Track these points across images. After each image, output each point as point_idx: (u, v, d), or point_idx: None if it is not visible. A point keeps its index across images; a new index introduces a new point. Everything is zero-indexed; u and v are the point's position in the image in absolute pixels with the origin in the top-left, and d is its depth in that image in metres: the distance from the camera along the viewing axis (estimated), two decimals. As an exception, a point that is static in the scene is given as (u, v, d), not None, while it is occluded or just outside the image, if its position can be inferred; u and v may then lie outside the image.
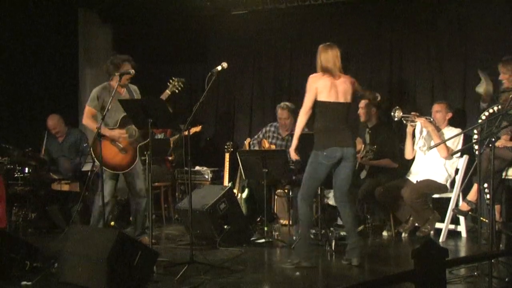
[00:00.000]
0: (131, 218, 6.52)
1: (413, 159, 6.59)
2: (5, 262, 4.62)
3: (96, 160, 5.76)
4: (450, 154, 6.21)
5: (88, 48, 9.13)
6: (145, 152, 5.35)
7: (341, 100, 5.14)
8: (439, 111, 6.43)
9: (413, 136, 6.52)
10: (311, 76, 5.18)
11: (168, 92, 5.80)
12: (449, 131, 6.36)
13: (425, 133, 6.43)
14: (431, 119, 6.38)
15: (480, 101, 5.95)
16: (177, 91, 5.83)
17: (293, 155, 5.31)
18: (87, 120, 5.92)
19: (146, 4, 8.31)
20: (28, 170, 7.00)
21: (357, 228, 5.49)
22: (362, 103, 6.81)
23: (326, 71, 5.14)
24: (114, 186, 6.00)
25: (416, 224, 6.31)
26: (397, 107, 6.42)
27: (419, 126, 6.44)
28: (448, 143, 6.16)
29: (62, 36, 8.68)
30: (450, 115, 6.44)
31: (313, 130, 5.20)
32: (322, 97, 5.09)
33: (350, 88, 5.21)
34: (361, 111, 6.83)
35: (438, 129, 6.35)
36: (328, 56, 5.17)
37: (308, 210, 5.20)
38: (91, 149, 5.76)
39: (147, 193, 5.61)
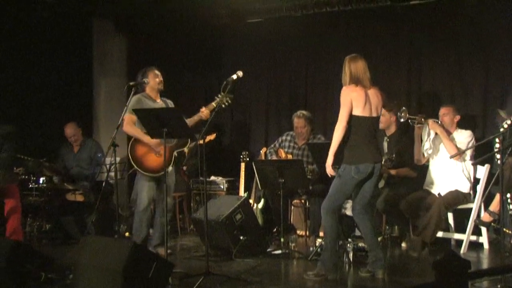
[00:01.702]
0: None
1: (426, 168, 6.54)
2: (20, 273, 4.64)
3: (134, 165, 5.90)
4: (462, 157, 6.18)
5: (102, 57, 9.19)
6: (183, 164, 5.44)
7: (374, 114, 5.14)
8: (446, 114, 6.42)
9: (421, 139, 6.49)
10: (344, 88, 5.09)
11: (213, 104, 5.83)
12: (459, 134, 6.35)
13: (432, 136, 6.37)
14: (439, 122, 6.35)
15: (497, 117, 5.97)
16: (223, 106, 5.78)
17: (330, 171, 5.14)
18: (127, 127, 5.92)
19: (161, 13, 8.36)
20: (43, 181, 7.04)
21: (378, 239, 5.45)
22: (382, 111, 6.77)
23: (357, 82, 5.09)
24: (153, 190, 6.02)
25: (439, 234, 6.25)
26: (404, 108, 6.39)
27: (427, 129, 6.39)
28: (458, 145, 6.18)
29: (76, 46, 8.75)
30: (458, 117, 6.43)
31: (345, 143, 5.10)
32: (357, 112, 5.04)
33: (381, 101, 5.21)
34: (381, 118, 6.79)
35: (448, 132, 6.31)
36: (359, 66, 5.13)
37: (334, 223, 5.17)
38: (132, 156, 5.88)
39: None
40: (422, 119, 6.33)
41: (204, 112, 5.89)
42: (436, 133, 6.34)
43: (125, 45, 9.23)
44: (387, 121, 6.76)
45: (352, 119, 5.06)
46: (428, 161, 6.51)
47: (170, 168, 5.96)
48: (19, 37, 8.03)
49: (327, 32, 8.02)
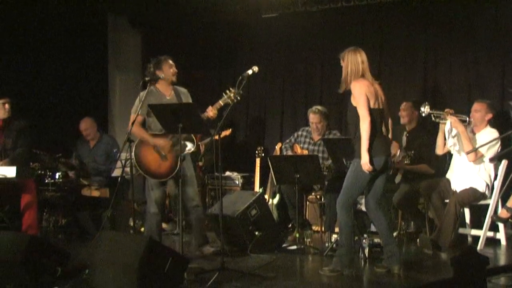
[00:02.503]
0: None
1: (446, 163, 6.49)
2: (36, 268, 4.67)
3: (138, 169, 5.68)
4: (479, 159, 6.11)
5: (117, 53, 9.24)
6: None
7: (381, 106, 5.10)
8: (478, 110, 6.24)
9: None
10: (356, 83, 5.01)
11: (220, 103, 5.58)
12: (488, 134, 6.19)
13: (454, 133, 6.29)
14: (466, 119, 6.24)
15: None
16: (231, 102, 5.51)
17: (368, 168, 4.97)
18: (133, 128, 5.60)
19: (176, 9, 8.37)
20: (59, 176, 7.08)
21: (393, 234, 5.42)
22: (404, 105, 6.75)
23: (364, 74, 5.06)
24: (162, 194, 5.85)
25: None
26: (426, 102, 6.34)
27: (449, 126, 6.30)
28: (481, 141, 6.09)
29: (91, 42, 8.80)
30: (490, 116, 6.25)
31: (355, 137, 5.07)
32: (370, 104, 5.00)
33: (383, 94, 5.16)
34: (402, 113, 6.77)
35: (478, 129, 6.22)
36: (364, 58, 5.08)
37: (349, 219, 5.15)
38: (135, 156, 5.64)
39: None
40: (446, 115, 6.23)
41: (211, 112, 5.64)
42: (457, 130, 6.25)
43: (139, 41, 9.27)
44: (409, 116, 6.72)
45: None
46: (448, 151, 6.45)
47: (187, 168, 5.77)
48: (35, 33, 8.09)
49: (343, 27, 7.98)
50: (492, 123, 6.31)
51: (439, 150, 6.45)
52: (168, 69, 5.81)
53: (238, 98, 5.53)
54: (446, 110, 6.29)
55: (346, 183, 5.12)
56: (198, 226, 5.88)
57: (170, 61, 5.85)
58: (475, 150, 6.02)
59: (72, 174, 7.33)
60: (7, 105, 6.55)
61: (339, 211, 5.15)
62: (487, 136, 6.17)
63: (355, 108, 5.02)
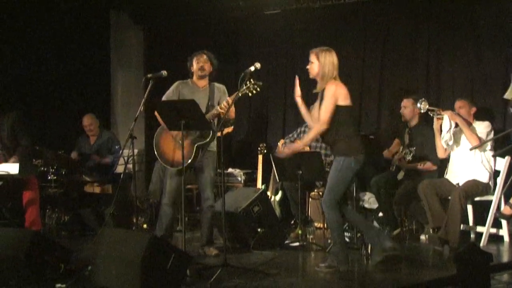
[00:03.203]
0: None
1: (448, 159, 6.49)
2: (39, 265, 4.68)
3: (156, 155, 5.77)
4: (483, 147, 6.12)
5: (120, 49, 9.23)
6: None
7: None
8: (462, 107, 6.34)
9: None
10: (332, 84, 5.07)
11: (239, 94, 5.38)
12: (477, 126, 6.27)
13: (453, 127, 6.28)
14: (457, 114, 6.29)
15: (509, 106, 5.86)
16: (250, 94, 5.35)
17: (296, 147, 5.22)
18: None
19: (178, 5, 8.37)
20: (61, 172, 7.09)
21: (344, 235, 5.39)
22: (406, 102, 6.74)
23: (336, 76, 5.13)
24: (178, 185, 5.69)
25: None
26: (423, 98, 6.35)
27: (447, 120, 6.31)
28: (479, 134, 6.13)
29: (93, 38, 8.80)
30: (474, 109, 6.36)
31: (336, 136, 5.08)
32: (347, 103, 5.08)
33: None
34: (404, 110, 6.76)
35: (468, 123, 6.25)
36: (336, 59, 5.16)
37: (339, 217, 5.16)
38: (155, 142, 5.77)
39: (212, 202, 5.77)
40: (441, 111, 6.28)
41: (224, 104, 5.53)
42: (456, 125, 6.26)
43: (142, 38, 9.26)
44: (411, 113, 6.72)
45: (344, 111, 5.07)
46: (449, 153, 6.45)
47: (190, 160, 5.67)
48: (37, 30, 8.09)
49: (345, 24, 7.97)
50: (478, 116, 6.42)
51: (441, 153, 6.43)
52: (194, 63, 5.90)
53: (258, 89, 5.35)
54: (437, 108, 6.33)
55: (331, 183, 5.11)
56: (207, 226, 5.86)
57: (197, 57, 5.92)
58: (484, 143, 6.09)
59: (74, 171, 7.34)
60: None
61: (327, 211, 5.14)
62: (479, 127, 6.26)
63: (336, 108, 5.05)
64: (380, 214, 6.94)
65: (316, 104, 5.29)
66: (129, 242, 4.49)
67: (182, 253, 4.59)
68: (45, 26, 8.18)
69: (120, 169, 6.97)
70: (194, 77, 5.90)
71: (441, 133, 6.35)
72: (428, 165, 6.56)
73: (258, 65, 5.23)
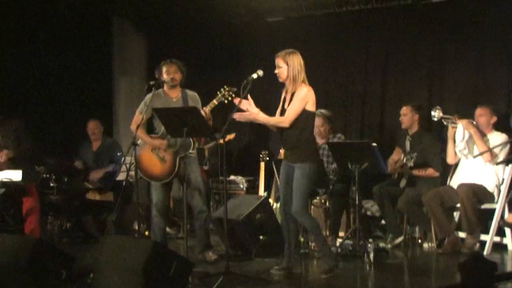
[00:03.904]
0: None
1: (455, 166, 6.47)
2: (41, 271, 4.67)
3: (139, 171, 5.71)
4: (494, 159, 6.09)
5: (122, 56, 9.24)
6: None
7: None
8: (482, 115, 6.27)
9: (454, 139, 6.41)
10: (304, 86, 5.11)
11: (214, 102, 5.58)
12: (495, 136, 6.22)
13: (467, 136, 6.28)
14: (473, 123, 6.26)
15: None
16: (226, 101, 5.57)
17: (255, 114, 5.12)
18: (133, 127, 5.72)
19: (181, 13, 8.38)
20: (63, 179, 7.08)
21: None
22: (405, 109, 6.72)
23: (304, 77, 5.15)
24: (165, 197, 5.80)
25: (461, 235, 6.18)
26: (438, 106, 6.33)
27: (461, 128, 6.29)
28: (492, 146, 6.09)
29: (96, 45, 8.81)
30: (494, 119, 6.29)
31: (299, 140, 5.09)
32: (312, 108, 5.12)
33: None
34: (403, 118, 6.74)
35: (483, 134, 6.23)
36: (302, 60, 5.18)
37: (313, 219, 5.29)
38: (136, 158, 5.67)
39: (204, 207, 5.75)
40: (456, 119, 6.24)
41: (202, 113, 5.50)
42: (470, 134, 6.24)
43: (145, 44, 9.27)
44: (410, 120, 6.70)
45: (309, 116, 5.12)
46: (458, 160, 6.44)
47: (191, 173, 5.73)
48: (40, 36, 8.10)
49: (348, 32, 7.98)
50: (497, 126, 6.34)
51: (451, 159, 6.41)
52: (163, 73, 5.81)
53: (233, 96, 5.53)
54: (454, 115, 6.31)
55: (300, 191, 5.07)
56: (202, 232, 5.85)
57: (166, 67, 5.80)
58: (490, 150, 6.04)
59: (76, 178, 7.33)
60: None
61: (302, 219, 5.16)
62: (496, 138, 6.20)
63: (303, 111, 5.07)
64: (383, 222, 6.93)
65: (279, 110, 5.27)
66: (131, 249, 4.48)
67: (184, 260, 4.58)
68: (48, 32, 8.19)
69: (122, 176, 6.98)
70: (167, 86, 5.83)
71: (453, 140, 6.33)
72: (430, 172, 6.54)
73: (260, 72, 5.24)
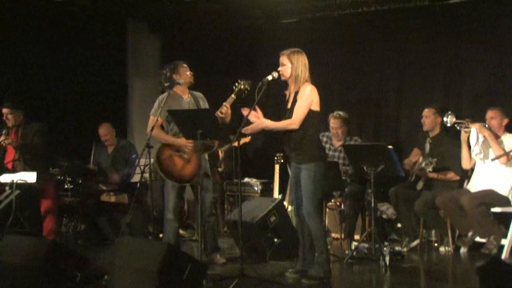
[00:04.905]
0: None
1: (473, 170, 6.43)
2: (56, 273, 4.70)
3: (160, 173, 5.63)
4: (510, 162, 6.05)
5: (136, 58, 9.27)
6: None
7: None
8: (494, 117, 6.25)
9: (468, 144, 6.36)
10: (308, 85, 5.11)
11: (233, 96, 5.61)
12: (508, 138, 6.20)
13: (481, 140, 6.24)
14: (486, 125, 6.22)
15: None
16: (243, 94, 5.61)
17: (261, 123, 5.17)
18: (154, 131, 5.61)
19: (195, 14, 8.40)
20: (77, 182, 7.11)
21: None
22: (428, 111, 6.69)
23: (308, 77, 5.15)
24: (180, 200, 5.82)
25: (478, 239, 6.14)
26: (450, 112, 6.29)
27: (474, 132, 6.26)
28: (507, 149, 6.04)
29: (110, 46, 8.84)
30: (506, 121, 6.26)
31: (303, 140, 5.08)
32: (317, 107, 5.12)
33: None
34: (425, 120, 6.70)
35: (496, 136, 6.18)
36: (307, 61, 5.18)
37: (322, 225, 5.23)
38: (157, 160, 5.61)
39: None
40: (468, 123, 6.21)
41: (223, 109, 5.58)
42: (484, 137, 6.19)
43: (159, 46, 9.29)
44: (432, 122, 6.67)
45: (314, 116, 5.10)
46: (474, 164, 6.39)
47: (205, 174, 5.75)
48: (54, 38, 8.15)
49: (364, 32, 7.94)
50: (509, 128, 6.33)
51: (466, 164, 6.37)
52: (185, 72, 5.83)
53: (248, 88, 5.58)
54: (466, 119, 6.27)
55: (308, 192, 5.05)
56: (211, 235, 5.85)
57: (185, 65, 5.87)
58: (507, 153, 5.99)
59: (91, 180, 7.37)
60: (9, 116, 6.59)
61: (312, 222, 5.09)
62: (509, 140, 6.18)
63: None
64: (399, 225, 6.89)
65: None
66: (146, 251, 4.50)
67: (199, 263, 4.59)
68: (62, 34, 8.24)
69: (136, 178, 7.00)
70: (179, 87, 5.81)
71: (467, 145, 6.29)
72: (451, 175, 6.50)
73: (275, 74, 5.22)
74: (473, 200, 5.96)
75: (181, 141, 5.64)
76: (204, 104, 5.89)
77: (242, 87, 5.60)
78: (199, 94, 5.97)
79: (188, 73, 5.84)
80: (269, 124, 5.19)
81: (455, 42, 7.36)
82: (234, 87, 5.65)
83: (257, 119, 5.15)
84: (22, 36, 7.83)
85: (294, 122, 5.06)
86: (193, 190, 5.85)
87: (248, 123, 5.13)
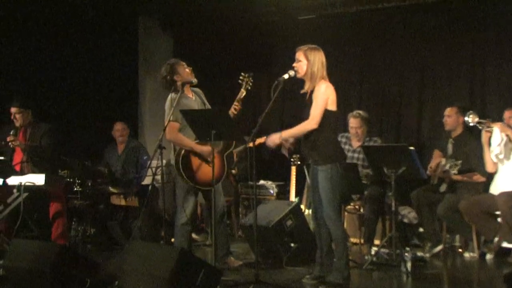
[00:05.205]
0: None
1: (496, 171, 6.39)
2: (65, 279, 4.72)
3: (184, 177, 5.55)
4: None
5: (148, 56, 9.31)
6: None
7: None
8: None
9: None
10: (324, 82, 5.08)
11: (243, 91, 5.65)
12: None
13: (504, 140, 6.18)
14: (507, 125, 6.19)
15: None
16: (248, 87, 5.67)
17: (276, 138, 5.18)
18: (173, 136, 5.57)
19: (209, 11, 8.41)
20: (87, 184, 7.15)
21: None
22: (450, 110, 6.65)
23: (324, 75, 5.12)
24: (195, 203, 5.80)
25: (505, 245, 6.08)
26: (471, 111, 6.26)
27: (497, 132, 6.21)
28: None
29: (121, 45, 8.89)
30: None
31: (318, 140, 5.06)
32: (333, 107, 5.09)
33: None
34: (447, 119, 6.67)
35: None
36: (324, 58, 5.15)
37: (343, 229, 5.19)
38: (180, 165, 5.55)
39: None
40: (490, 123, 6.18)
41: (237, 106, 5.62)
42: (507, 137, 6.15)
43: (171, 44, 9.32)
44: (454, 122, 6.63)
45: (330, 115, 5.07)
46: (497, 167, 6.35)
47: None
48: (65, 36, 8.21)
49: (384, 28, 7.92)
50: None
51: (490, 167, 6.32)
52: (185, 70, 5.77)
53: (251, 81, 5.68)
54: (486, 119, 6.23)
55: (326, 195, 5.05)
56: (224, 237, 5.85)
57: (182, 65, 5.78)
58: None
59: (101, 182, 7.41)
60: (17, 115, 6.63)
61: (333, 226, 5.08)
62: None
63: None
64: (421, 229, 6.86)
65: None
66: (157, 256, 4.50)
67: (212, 268, 4.58)
68: (73, 32, 8.29)
69: (148, 180, 7.02)
70: (182, 88, 5.75)
71: (489, 146, 6.25)
72: (476, 177, 6.46)
73: (292, 72, 5.21)
74: (510, 199, 5.90)
75: (202, 148, 5.60)
76: (205, 98, 5.92)
77: (246, 79, 5.67)
78: (198, 90, 5.96)
79: (187, 70, 5.79)
80: (286, 133, 5.17)
81: (479, 39, 7.31)
82: (240, 82, 5.69)
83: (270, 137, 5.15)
84: (32, 34, 7.90)
85: (310, 122, 5.04)
86: (204, 193, 5.84)
87: (262, 125, 5.13)
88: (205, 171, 5.62)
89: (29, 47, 7.89)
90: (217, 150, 5.63)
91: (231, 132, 5.30)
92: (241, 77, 5.69)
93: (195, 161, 5.64)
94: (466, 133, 6.65)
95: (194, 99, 5.83)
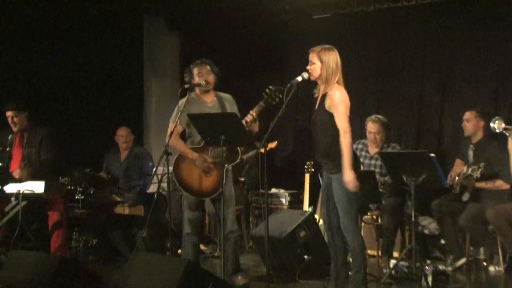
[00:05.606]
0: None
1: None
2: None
3: (178, 186, 5.62)
4: None
5: (153, 57, 9.34)
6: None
7: None
8: None
9: None
10: (338, 87, 5.03)
11: (262, 104, 5.49)
12: None
13: None
14: None
15: None
16: (274, 102, 5.48)
17: (355, 184, 4.96)
18: (171, 139, 5.56)
19: (217, 9, 8.42)
20: (89, 192, 7.16)
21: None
22: (468, 115, 6.62)
23: (339, 77, 5.08)
24: (200, 213, 5.80)
25: None
26: (497, 117, 6.20)
27: None
28: None
29: (126, 45, 8.92)
30: None
31: (332, 147, 5.02)
32: (348, 113, 5.05)
33: None
34: (466, 124, 6.63)
35: None
36: (339, 59, 5.11)
37: (362, 239, 5.15)
38: (175, 171, 5.58)
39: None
40: None
41: (249, 118, 5.51)
42: None
43: (177, 45, 9.35)
44: (474, 127, 6.59)
45: None
46: None
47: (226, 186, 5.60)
48: (67, 36, 8.25)
49: (403, 28, 7.91)
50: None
51: None
52: (196, 76, 5.76)
53: (280, 96, 5.39)
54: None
55: (341, 204, 5.02)
56: (232, 254, 5.79)
57: (198, 68, 5.77)
58: None
59: (103, 190, 7.43)
60: (15, 119, 6.63)
61: (352, 238, 5.05)
62: None
63: (330, 115, 4.99)
64: (442, 241, 6.82)
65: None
66: (163, 268, 4.51)
67: (221, 281, 4.58)
68: (77, 32, 8.33)
69: (153, 188, 7.02)
70: (201, 90, 5.79)
71: None
72: (499, 184, 6.41)
73: (306, 75, 5.18)
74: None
75: (196, 159, 5.60)
76: (231, 108, 5.82)
77: (273, 94, 5.45)
78: (227, 97, 5.91)
79: (196, 78, 5.75)
80: (349, 165, 4.94)
81: (504, 38, 7.26)
82: (264, 94, 5.50)
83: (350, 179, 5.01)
84: (34, 34, 7.95)
85: (345, 136, 4.95)
86: (213, 203, 5.83)
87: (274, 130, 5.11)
88: (195, 180, 5.62)
89: (30, 48, 7.94)
90: (213, 161, 5.58)
91: (241, 138, 5.28)
92: (267, 90, 5.50)
93: (187, 167, 5.64)
94: (487, 138, 6.60)
95: (211, 105, 5.79)
